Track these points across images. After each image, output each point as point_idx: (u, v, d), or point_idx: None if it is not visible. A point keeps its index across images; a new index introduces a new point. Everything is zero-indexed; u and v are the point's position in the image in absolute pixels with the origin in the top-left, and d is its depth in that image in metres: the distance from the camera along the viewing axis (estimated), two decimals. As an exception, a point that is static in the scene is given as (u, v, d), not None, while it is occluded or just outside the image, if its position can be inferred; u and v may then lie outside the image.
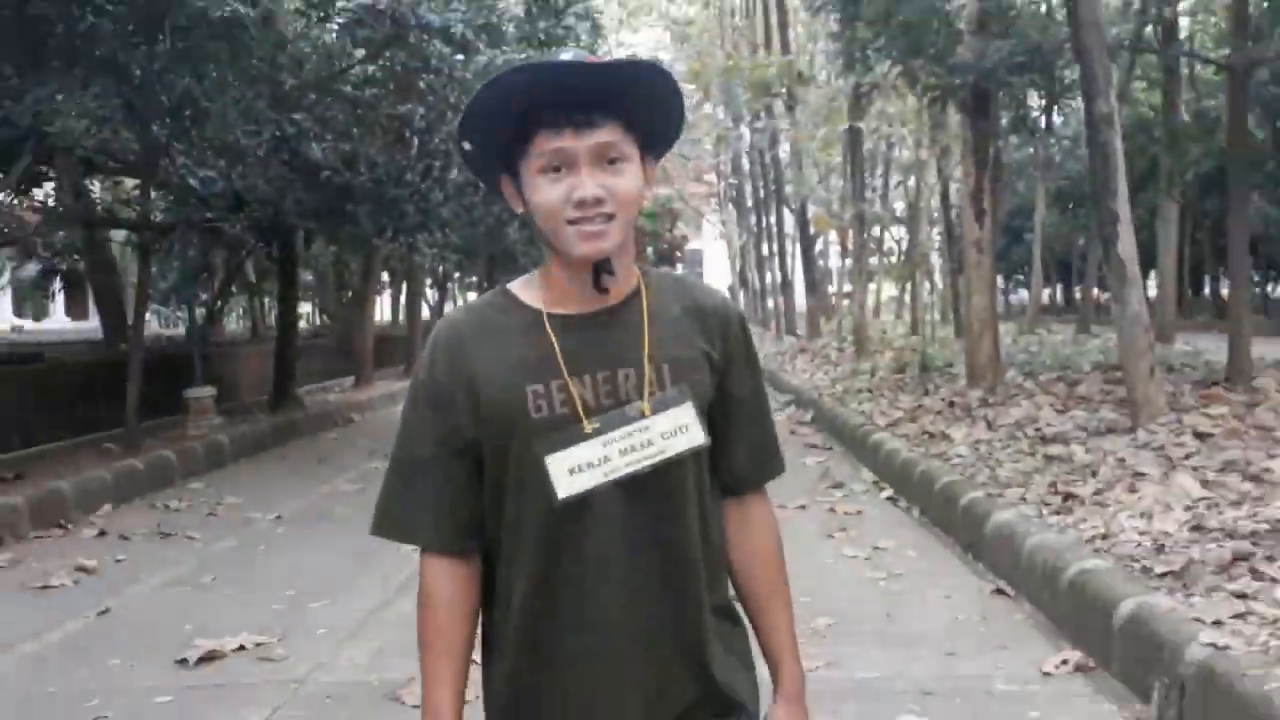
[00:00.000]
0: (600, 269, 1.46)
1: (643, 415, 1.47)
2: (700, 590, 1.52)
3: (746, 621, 1.65)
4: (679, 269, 33.50)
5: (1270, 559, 4.35)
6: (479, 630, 1.57)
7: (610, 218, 1.43)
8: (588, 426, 1.45)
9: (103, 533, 7.19)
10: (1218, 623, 3.68)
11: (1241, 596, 3.95)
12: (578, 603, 1.46)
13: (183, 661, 4.45)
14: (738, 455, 1.61)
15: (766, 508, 1.67)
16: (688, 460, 1.49)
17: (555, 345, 1.47)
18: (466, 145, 1.50)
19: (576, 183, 1.41)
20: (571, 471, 1.44)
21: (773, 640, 1.64)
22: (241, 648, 4.61)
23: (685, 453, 1.48)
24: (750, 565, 1.64)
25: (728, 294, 1.99)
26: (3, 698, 4.18)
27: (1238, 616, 3.75)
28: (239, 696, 4.09)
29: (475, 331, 1.52)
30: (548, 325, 1.49)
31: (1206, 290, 33.76)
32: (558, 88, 1.40)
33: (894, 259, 31.05)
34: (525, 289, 1.55)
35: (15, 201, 14.13)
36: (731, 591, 1.64)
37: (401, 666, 4.31)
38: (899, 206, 30.23)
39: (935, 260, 28.95)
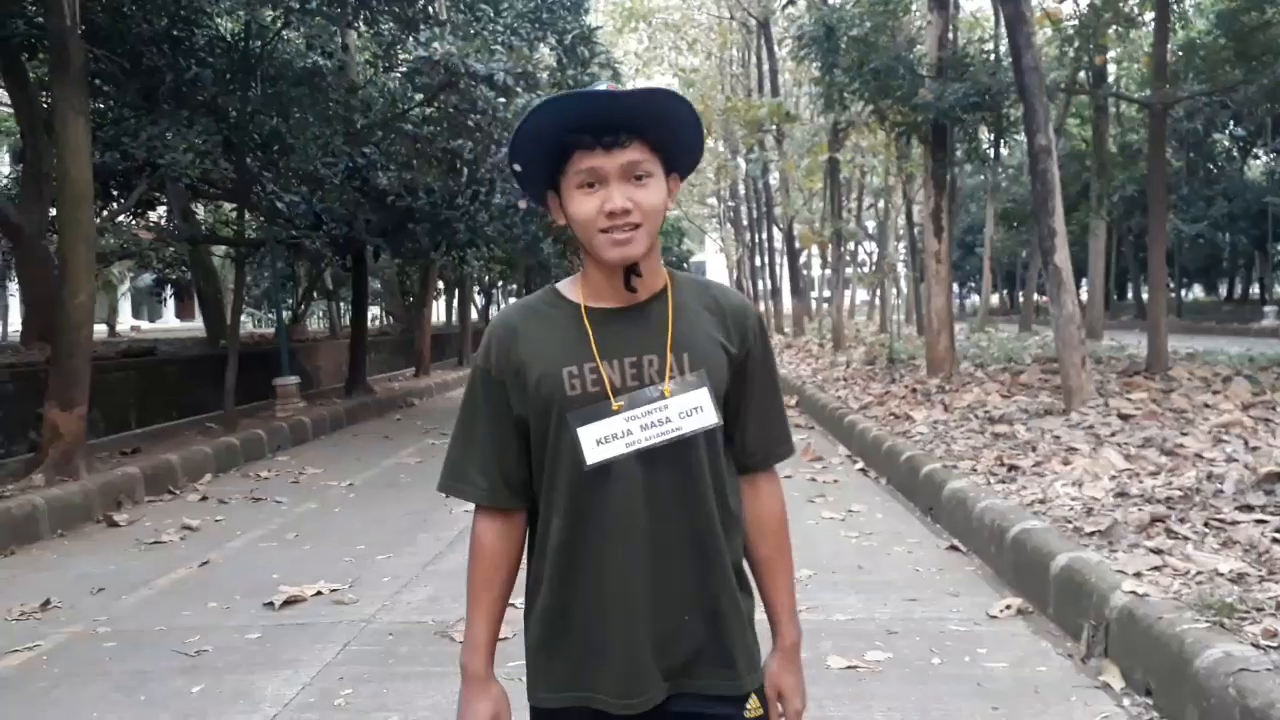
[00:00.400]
0: (630, 271, 1.45)
1: (663, 396, 1.45)
2: (717, 549, 1.49)
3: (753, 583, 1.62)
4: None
5: (1182, 520, 4.31)
6: (523, 577, 1.57)
7: (637, 226, 1.42)
8: (615, 403, 1.44)
9: (205, 498, 7.20)
10: (1138, 574, 3.64)
11: (1158, 552, 3.91)
12: (601, 554, 1.45)
13: (269, 604, 4.46)
14: (749, 436, 1.59)
15: (775, 483, 1.64)
16: (700, 437, 1.47)
17: (590, 333, 1.47)
18: (516, 167, 1.48)
19: (607, 196, 1.41)
20: (599, 442, 1.43)
21: (775, 600, 1.62)
22: (319, 593, 4.61)
23: (698, 431, 1.46)
24: (757, 532, 1.61)
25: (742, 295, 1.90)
26: (120, 634, 4.18)
27: (1155, 569, 3.72)
28: (316, 634, 4.09)
29: (524, 322, 1.52)
30: (585, 317, 1.48)
31: (1130, 294, 33.49)
32: (590, 113, 1.39)
33: (866, 269, 30.92)
34: (570, 287, 1.54)
35: (133, 222, 14.20)
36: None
37: (452, 609, 4.31)
38: (870, 224, 30.10)
39: (901, 269, 28.81)
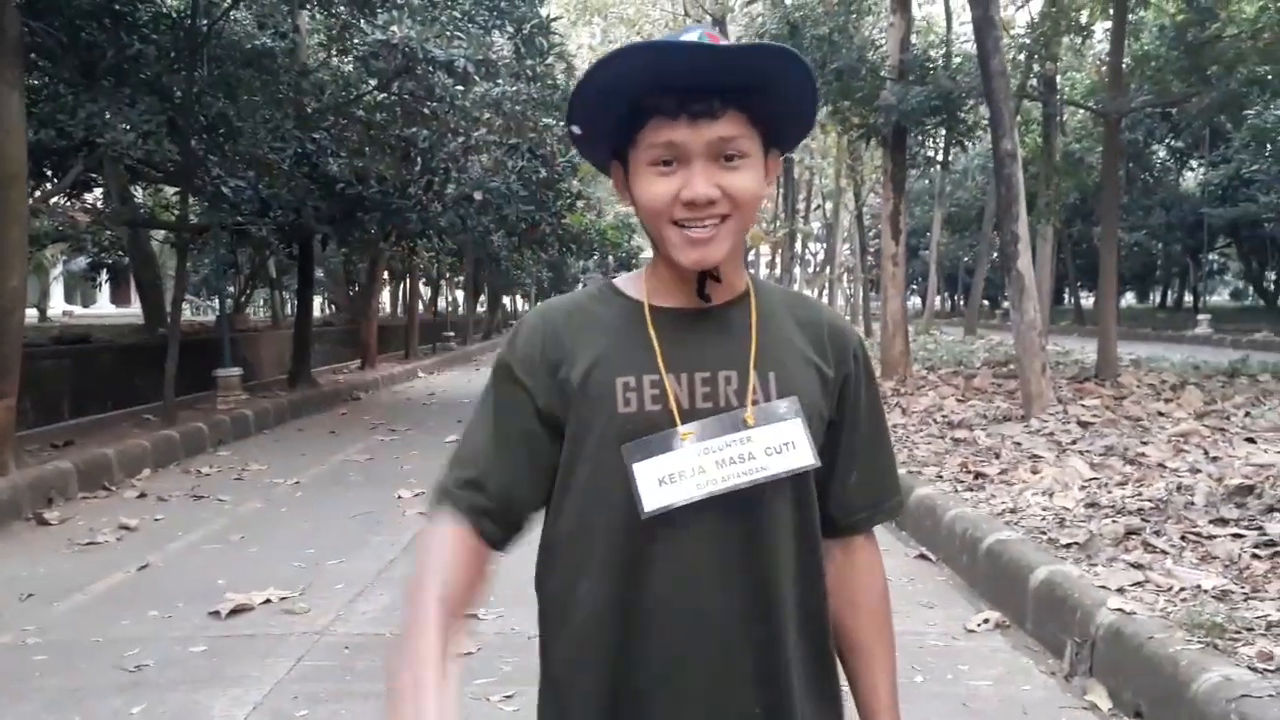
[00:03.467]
0: (707, 276, 1.15)
1: (745, 425, 1.12)
2: (785, 634, 1.15)
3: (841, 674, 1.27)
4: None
5: (1158, 533, 4.26)
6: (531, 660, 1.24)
7: (723, 220, 1.10)
8: (682, 432, 1.11)
9: (143, 495, 6.84)
10: (1121, 590, 3.56)
11: (1138, 567, 3.84)
12: (647, 632, 1.12)
13: (215, 613, 4.18)
14: (849, 487, 1.24)
15: (874, 549, 1.29)
16: (788, 484, 1.13)
17: (654, 338, 1.14)
18: (575, 129, 1.15)
19: (687, 180, 1.08)
20: (661, 481, 1.09)
21: (870, 700, 1.26)
22: (268, 601, 4.34)
23: (789, 473, 1.12)
24: (850, 611, 1.26)
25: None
26: (52, 645, 3.89)
27: (1137, 585, 3.64)
28: (266, 646, 3.83)
29: (567, 317, 1.20)
30: (648, 317, 1.16)
31: (1067, 300, 34.16)
32: (679, 71, 1.06)
33: (813, 269, 31.09)
34: (630, 283, 1.22)
35: (69, 203, 13.61)
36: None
37: (411, 619, 4.08)
38: (816, 225, 30.27)
39: (847, 271, 28.99)
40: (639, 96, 1.08)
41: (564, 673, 1.18)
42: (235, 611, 4.21)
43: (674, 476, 1.09)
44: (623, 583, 1.12)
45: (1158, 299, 39.35)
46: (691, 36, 1.06)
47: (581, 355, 1.15)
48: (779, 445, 1.12)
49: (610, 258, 31.08)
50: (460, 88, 9.86)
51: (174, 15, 9.65)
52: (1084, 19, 12.94)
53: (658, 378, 1.13)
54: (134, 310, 20.20)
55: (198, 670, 3.60)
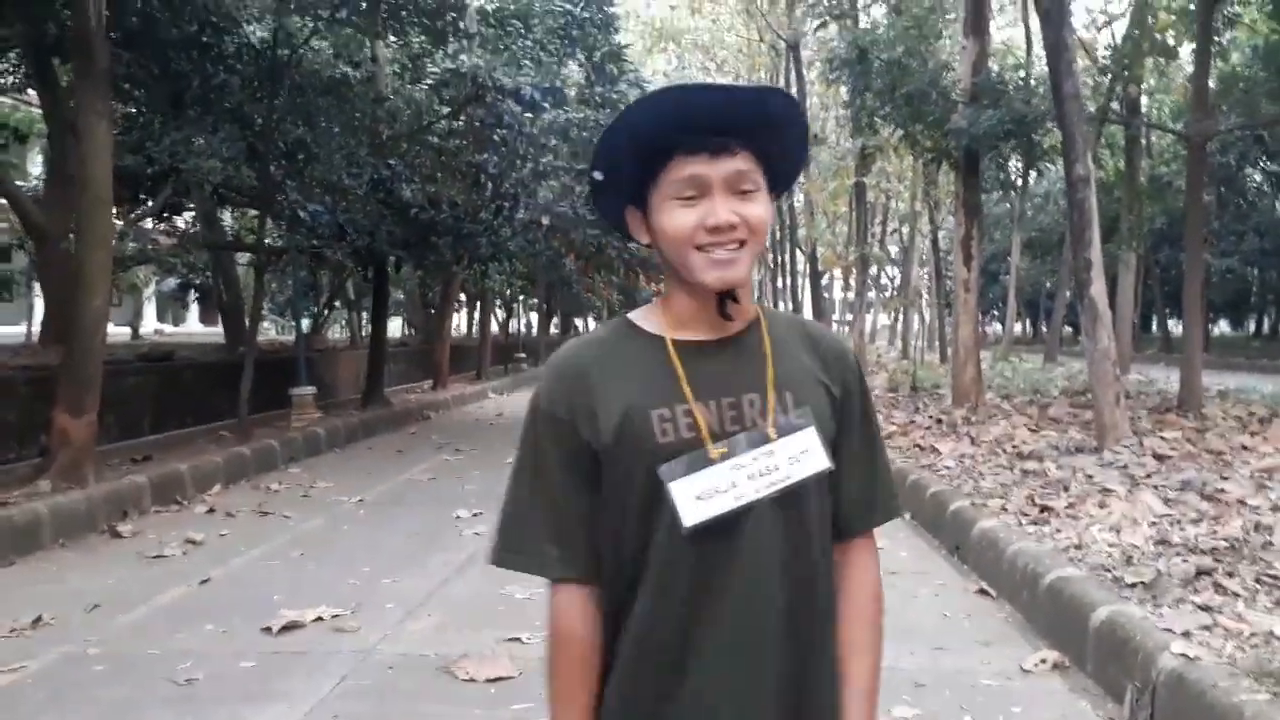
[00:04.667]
0: (726, 297, 1.25)
1: (768, 439, 1.23)
2: (826, 631, 1.27)
3: None
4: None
5: (1230, 575, 4.05)
6: None
7: (741, 245, 1.22)
8: (714, 451, 1.21)
9: (212, 510, 7.02)
10: (1187, 634, 3.39)
11: (1207, 610, 3.66)
12: (696, 640, 1.22)
13: (267, 629, 4.25)
14: (848, 493, 1.34)
15: (871, 555, 1.38)
16: (812, 486, 1.25)
17: (680, 370, 1.25)
18: (597, 175, 1.28)
19: (710, 209, 1.20)
20: (699, 498, 1.20)
21: (849, 703, 1.32)
22: (319, 619, 4.40)
23: (811, 477, 1.24)
24: (844, 608, 1.33)
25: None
26: (111, 657, 4.00)
27: (1204, 629, 3.46)
28: (313, 664, 3.88)
29: (596, 359, 1.28)
30: (671, 350, 1.26)
31: (1154, 327, 33.03)
32: (699, 112, 1.19)
33: (888, 294, 30.67)
34: (645, 318, 1.32)
35: (159, 226, 14.16)
36: None
37: (456, 641, 4.10)
38: (894, 249, 29.86)
39: (924, 296, 28.52)
40: (665, 135, 1.20)
41: (619, 680, 1.26)
42: (287, 628, 4.28)
43: (709, 492, 1.20)
44: (672, 596, 1.22)
45: (1252, 328, 37.76)
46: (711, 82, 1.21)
47: (615, 395, 1.24)
48: (798, 453, 1.24)
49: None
50: (529, 115, 10.00)
51: (257, 46, 10.01)
52: (1169, 40, 12.57)
53: (688, 407, 1.23)
54: (220, 329, 20.90)
55: (245, 685, 3.66)
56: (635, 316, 1.33)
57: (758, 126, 1.22)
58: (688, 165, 1.20)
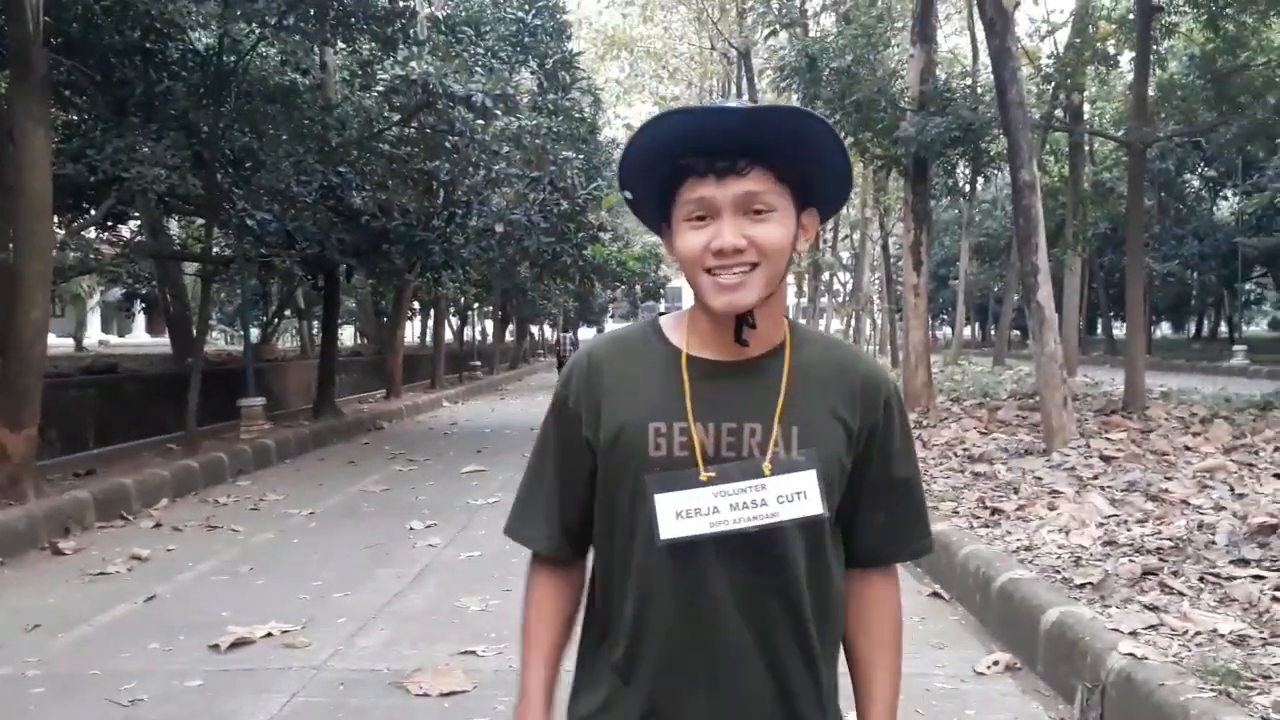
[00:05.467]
0: (741, 321, 1.22)
1: (762, 473, 1.21)
2: (793, 668, 1.24)
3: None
4: (660, 304, 33.37)
5: (1175, 574, 4.12)
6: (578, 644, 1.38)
7: (752, 268, 1.18)
8: (703, 474, 1.20)
9: (158, 524, 6.85)
10: (1134, 633, 3.44)
11: (1153, 609, 3.71)
12: (666, 650, 1.23)
13: (215, 647, 4.15)
14: (876, 527, 1.32)
15: (891, 586, 1.36)
16: (798, 530, 1.22)
17: (686, 388, 1.24)
18: (628, 195, 1.28)
19: (717, 232, 1.18)
20: (679, 515, 1.19)
21: (864, 713, 1.34)
22: (269, 634, 4.31)
23: (798, 521, 1.21)
24: (860, 639, 1.34)
25: (885, 368, 1.76)
26: (51, 678, 3.87)
27: (1151, 628, 3.51)
28: (262, 682, 3.79)
29: (612, 358, 1.30)
30: (684, 367, 1.25)
31: (1099, 330, 33.72)
32: (703, 134, 1.18)
33: (841, 299, 30.96)
34: (674, 326, 1.31)
35: (100, 236, 13.83)
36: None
37: (409, 656, 4.03)
38: (845, 255, 30.16)
39: (875, 300, 28.84)
40: (676, 158, 1.20)
41: (591, 675, 1.32)
42: (236, 645, 4.18)
43: (690, 512, 1.20)
44: (641, 606, 1.24)
45: (1193, 330, 38.72)
46: (722, 103, 1.19)
47: (621, 399, 1.26)
48: (791, 494, 1.21)
49: (637, 287, 31.15)
50: (480, 122, 9.93)
51: (202, 52, 9.83)
52: (1110, 48, 12.84)
53: (686, 426, 1.23)
54: (167, 341, 20.50)
55: (191, 706, 3.57)
56: (666, 323, 1.33)
57: (773, 146, 1.18)
58: (697, 188, 1.19)
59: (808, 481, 1.21)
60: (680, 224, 1.21)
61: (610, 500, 1.27)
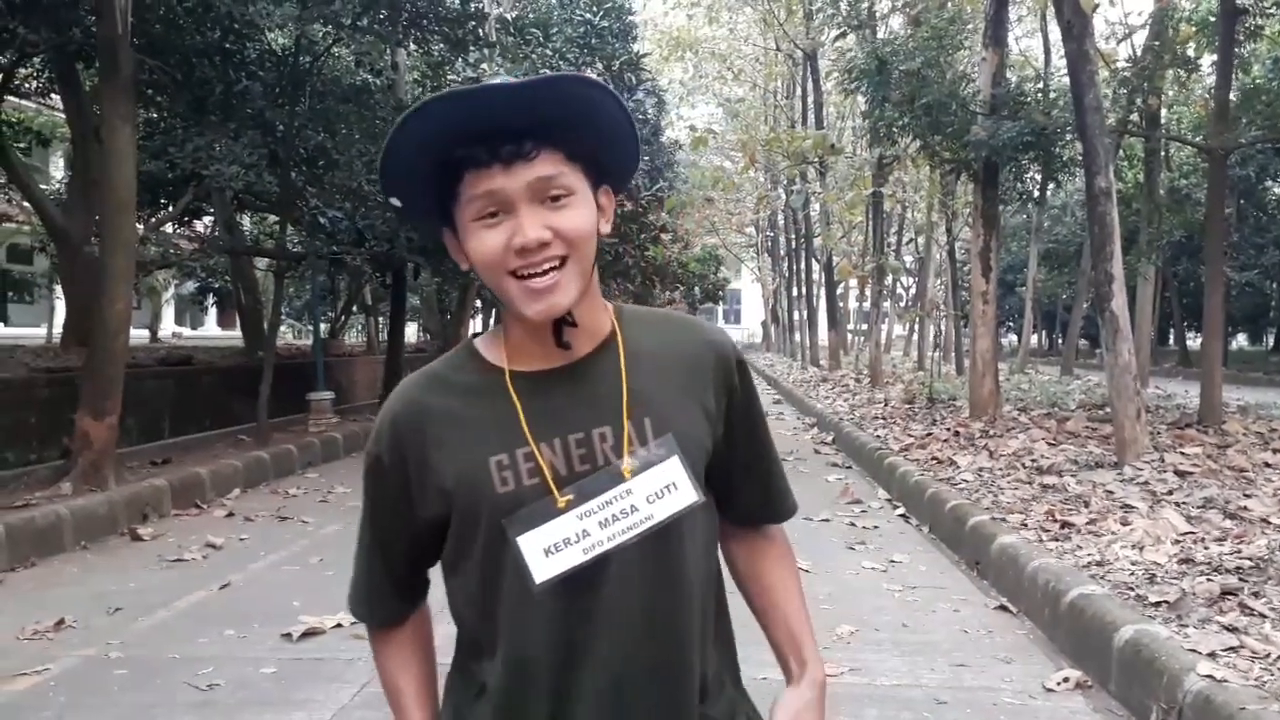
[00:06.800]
0: (561, 324, 1.09)
1: (623, 478, 1.08)
2: (692, 681, 1.14)
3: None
4: (721, 307, 33.22)
5: (1256, 595, 4.00)
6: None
7: (561, 263, 1.04)
8: (560, 500, 1.07)
9: (231, 514, 7.05)
10: (1213, 655, 3.35)
11: (1233, 630, 3.61)
12: (558, 694, 1.10)
13: (287, 635, 4.26)
14: (744, 500, 1.27)
15: (781, 543, 1.33)
16: (680, 525, 1.10)
17: (519, 408, 1.10)
18: (395, 202, 1.11)
19: (516, 227, 1.03)
20: (548, 552, 1.06)
21: (791, 626, 1.28)
22: (339, 625, 4.40)
23: (676, 515, 1.09)
24: (756, 584, 1.30)
25: (723, 329, 1.38)
26: (132, 660, 4.01)
27: (1230, 650, 3.42)
28: (333, 671, 3.88)
29: (429, 399, 1.14)
30: (510, 386, 1.11)
31: (1172, 340, 32.81)
32: (479, 117, 1.01)
33: (904, 304, 30.59)
34: (490, 345, 1.16)
35: (180, 231, 14.25)
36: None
37: (475, 651, 4.09)
38: (909, 259, 29.78)
39: (940, 306, 28.41)
40: (450, 150, 1.04)
41: None
42: (307, 634, 4.29)
43: (559, 545, 1.07)
44: (522, 655, 1.10)
45: (1271, 341, 37.44)
46: (496, 81, 1.01)
47: (451, 441, 1.11)
48: (660, 490, 1.09)
49: (696, 289, 31.10)
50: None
51: (279, 53, 10.07)
52: (1190, 52, 12.49)
53: (529, 450, 1.09)
54: (238, 333, 21.01)
55: (266, 693, 3.67)
56: (481, 343, 1.18)
57: (558, 122, 1.03)
58: (481, 181, 1.03)
59: (673, 470, 1.10)
60: (468, 225, 1.05)
61: (465, 554, 1.12)
